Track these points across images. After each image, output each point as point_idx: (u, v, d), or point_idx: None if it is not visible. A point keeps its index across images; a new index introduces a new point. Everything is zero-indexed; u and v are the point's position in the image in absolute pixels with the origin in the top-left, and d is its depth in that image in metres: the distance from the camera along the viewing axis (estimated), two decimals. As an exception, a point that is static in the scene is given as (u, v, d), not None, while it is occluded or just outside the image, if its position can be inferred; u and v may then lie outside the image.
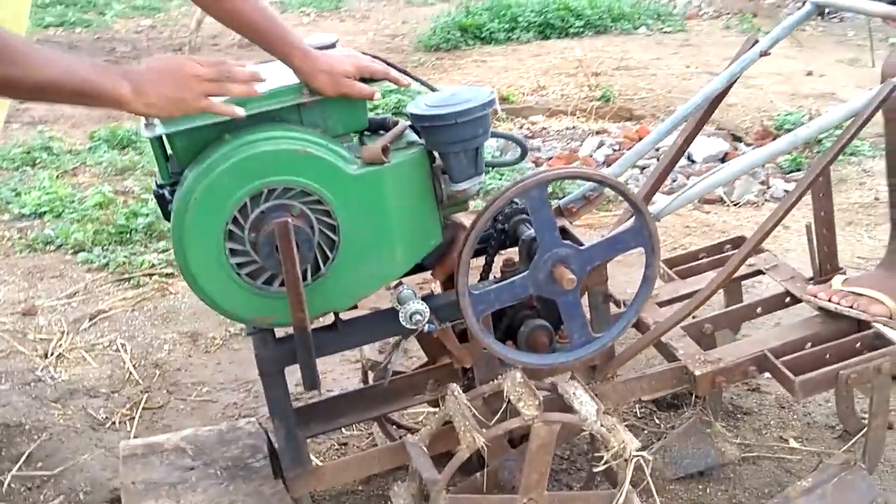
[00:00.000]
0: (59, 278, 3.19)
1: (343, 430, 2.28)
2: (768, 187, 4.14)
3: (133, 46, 7.17)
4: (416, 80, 1.82)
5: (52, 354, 2.69)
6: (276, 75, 1.65)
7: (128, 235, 3.45)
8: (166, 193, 1.63)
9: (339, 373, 2.54)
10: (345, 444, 2.25)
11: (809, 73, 5.92)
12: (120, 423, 2.37)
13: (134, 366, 2.64)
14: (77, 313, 2.95)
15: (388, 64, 1.73)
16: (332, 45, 1.71)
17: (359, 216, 1.61)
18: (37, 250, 3.40)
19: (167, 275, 3.19)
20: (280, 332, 1.74)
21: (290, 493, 1.79)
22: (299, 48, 1.62)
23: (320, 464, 2.03)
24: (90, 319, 2.90)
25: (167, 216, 1.63)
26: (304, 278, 1.60)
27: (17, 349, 2.71)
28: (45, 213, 3.69)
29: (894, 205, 2.06)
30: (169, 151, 1.63)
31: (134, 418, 2.39)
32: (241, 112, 1.50)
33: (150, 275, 3.18)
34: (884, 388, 1.90)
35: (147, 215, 3.54)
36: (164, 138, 1.59)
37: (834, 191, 2.24)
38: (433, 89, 1.77)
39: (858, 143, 4.51)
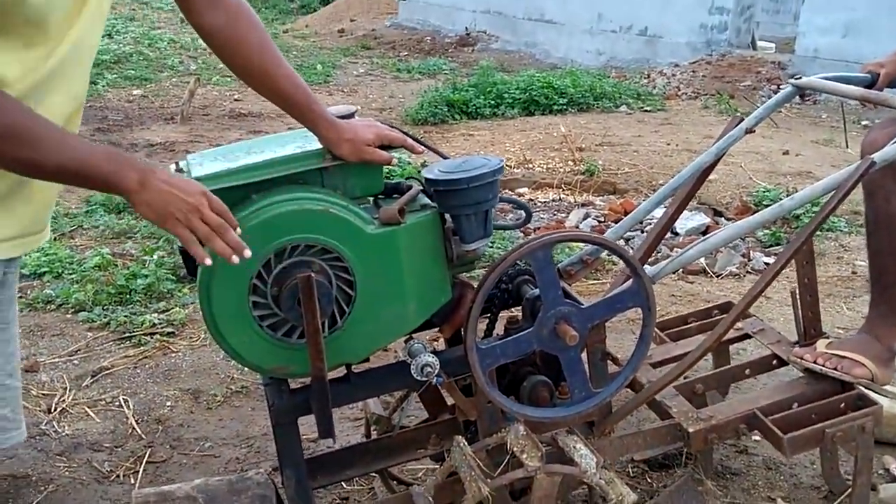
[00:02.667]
0: (61, 336, 3.24)
1: (345, 484, 2.33)
2: (749, 259, 4.29)
3: (125, 115, 7.31)
4: (430, 148, 1.94)
5: (55, 409, 2.73)
6: (301, 139, 1.77)
7: (128, 296, 3.51)
8: (192, 250, 1.72)
9: (340, 430, 2.58)
10: (346, 499, 2.30)
11: (786, 153, 6.16)
12: (124, 476, 2.41)
13: (137, 421, 2.68)
14: (79, 370, 2.99)
15: (404, 133, 1.85)
16: (352, 115, 1.84)
17: (375, 273, 1.70)
18: (37, 309, 3.45)
19: (168, 334, 3.25)
20: (293, 384, 1.82)
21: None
22: (325, 118, 1.73)
23: (326, 516, 2.08)
24: (92, 376, 2.95)
25: (192, 272, 1.71)
26: (322, 330, 1.68)
27: (21, 404, 2.75)
28: (44, 273, 3.74)
29: (874, 273, 2.18)
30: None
31: (138, 472, 2.42)
32: (208, 261, 1.50)
33: (151, 334, 3.24)
34: (867, 447, 1.99)
35: (147, 276, 3.61)
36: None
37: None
38: (445, 157, 1.89)
39: (836, 220, 4.70)
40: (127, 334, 3.24)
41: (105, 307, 3.43)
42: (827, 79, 2.31)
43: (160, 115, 7.43)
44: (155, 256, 3.84)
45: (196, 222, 1.47)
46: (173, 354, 3.12)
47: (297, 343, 1.69)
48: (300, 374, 1.74)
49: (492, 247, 4.09)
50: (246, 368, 2.05)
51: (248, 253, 1.51)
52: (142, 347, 3.15)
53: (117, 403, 2.79)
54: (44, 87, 1.48)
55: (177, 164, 1.79)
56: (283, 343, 1.70)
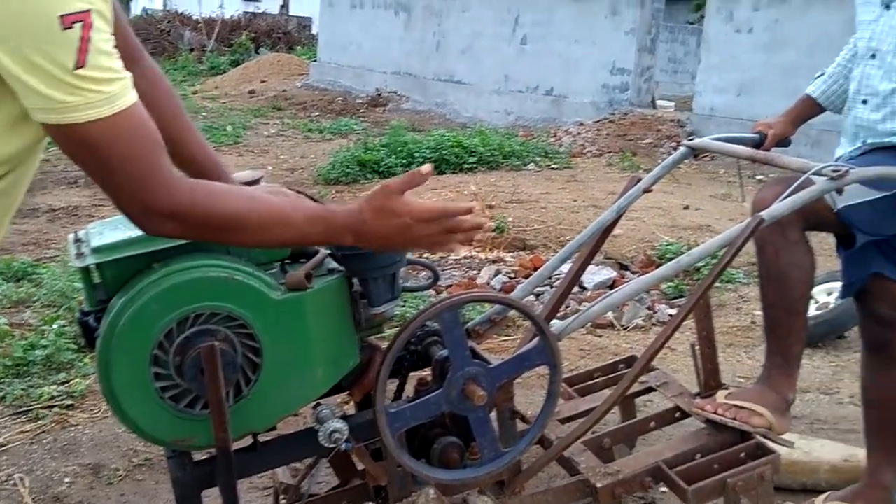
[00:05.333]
0: (-49, 411, 3.09)
1: (255, 557, 2.27)
2: (654, 312, 4.41)
3: (27, 177, 7.09)
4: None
5: (-55, 491, 2.59)
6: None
7: (25, 367, 3.37)
8: (91, 321, 1.68)
9: (248, 499, 2.53)
10: (257, 572, 2.24)
11: (686, 207, 6.39)
12: (19, 559, 2.29)
13: (33, 499, 2.56)
14: (-29, 447, 2.85)
15: (310, 198, 1.85)
16: (258, 181, 1.83)
17: (281, 340, 1.69)
18: (-73, 384, 3.28)
19: (67, 406, 3.13)
20: (197, 455, 1.77)
21: None
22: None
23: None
24: (-15, 454, 2.81)
25: (91, 344, 1.67)
26: (227, 400, 1.65)
27: None
28: (-65, 345, 3.57)
29: (767, 325, 2.27)
30: (96, 280, 1.68)
31: (34, 554, 2.31)
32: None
33: (50, 407, 3.11)
34: (767, 495, 2.05)
35: (46, 347, 3.47)
36: (93, 267, 1.65)
37: (714, 315, 2.45)
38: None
39: (734, 272, 4.88)
40: (23, 408, 3.11)
41: (1, 380, 3.28)
42: (719, 139, 2.43)
43: (63, 179, 7.25)
44: (55, 325, 3.71)
45: (435, 240, 1.50)
46: (73, 428, 3.00)
47: (200, 414, 1.65)
48: (204, 446, 1.70)
49: (404, 306, 4.10)
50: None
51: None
52: (39, 422, 3.02)
53: (12, 482, 2.65)
54: None
55: (75, 233, 1.75)
56: (185, 414, 1.66)
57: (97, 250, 1.62)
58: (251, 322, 1.65)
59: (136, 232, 1.65)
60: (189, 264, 1.63)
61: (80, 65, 1.14)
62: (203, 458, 1.77)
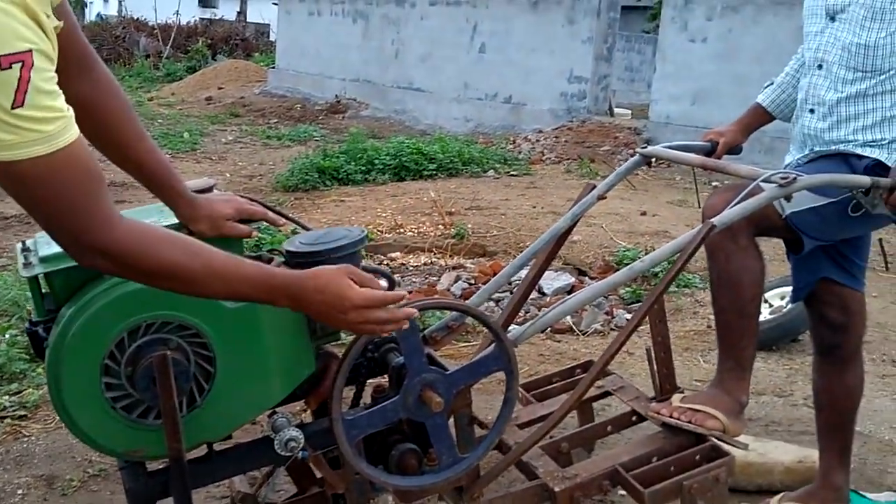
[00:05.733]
0: None
1: (211, 568, 2.24)
2: (612, 317, 4.44)
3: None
4: (291, 220, 1.94)
5: None
6: (157, 214, 1.74)
7: (-24, 378, 3.30)
8: (40, 331, 1.65)
9: (206, 510, 2.51)
10: (213, 584, 2.21)
11: (643, 213, 6.46)
12: (-32, 576, 2.24)
13: (-17, 513, 2.51)
14: (-82, 462, 2.78)
15: (264, 206, 1.85)
16: (210, 189, 1.82)
17: (235, 349, 1.67)
18: None
19: (20, 417, 3.07)
20: (151, 466, 1.75)
21: None
22: (184, 196, 1.71)
23: None
24: (-66, 468, 2.74)
25: (40, 354, 1.64)
26: (180, 409, 1.63)
27: None
28: None
29: (720, 330, 2.31)
30: (45, 290, 1.66)
31: (-17, 570, 2.26)
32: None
33: (2, 418, 3.05)
34: (722, 496, 2.08)
35: (-3, 357, 3.41)
36: (42, 277, 1.62)
37: (670, 320, 2.49)
38: (307, 228, 1.90)
39: (690, 277, 4.94)
40: (-25, 420, 3.04)
41: (-50, 392, 3.21)
42: (671, 147, 2.46)
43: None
44: (7, 335, 3.64)
45: (364, 327, 1.51)
46: (25, 439, 2.94)
47: (153, 424, 1.64)
48: (157, 456, 1.68)
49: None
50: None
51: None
52: (-9, 433, 2.96)
53: (-38, 496, 2.60)
54: None
55: (23, 242, 1.72)
56: (138, 424, 1.64)
57: (45, 259, 1.60)
58: (204, 331, 1.64)
59: (86, 240, 1.63)
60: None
61: (17, 104, 1.14)
62: (157, 468, 1.74)
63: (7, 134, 1.15)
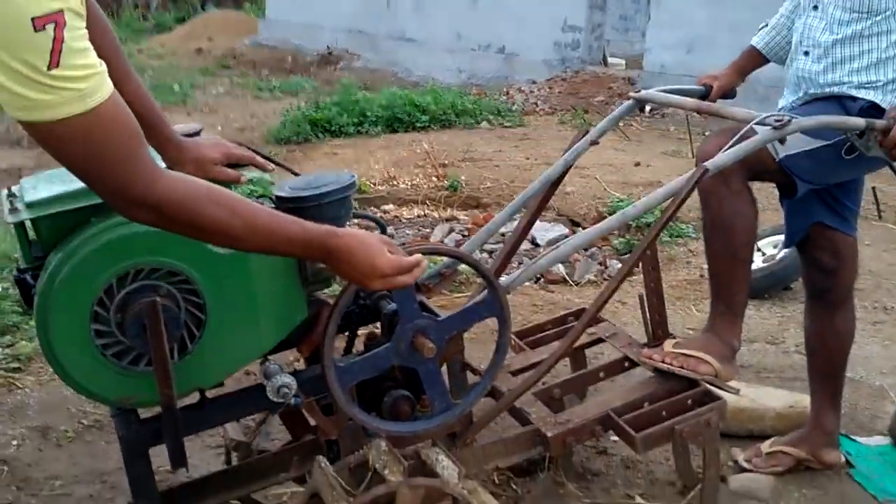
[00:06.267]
0: None
1: (207, 514, 2.25)
2: (606, 267, 4.44)
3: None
4: (280, 165, 1.92)
5: None
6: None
7: (-32, 332, 3.29)
8: (28, 278, 1.63)
9: (201, 458, 2.51)
10: (208, 530, 2.22)
11: (637, 164, 6.42)
12: (-36, 524, 2.25)
13: (-21, 464, 2.51)
14: (-87, 414, 2.78)
15: (252, 150, 1.82)
16: (198, 133, 1.79)
17: (226, 295, 1.66)
18: None
19: (14, 369, 3.06)
20: (143, 413, 1.75)
21: (157, 577, 1.77)
22: (171, 139, 1.69)
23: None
24: (-72, 420, 2.75)
25: (28, 302, 1.63)
26: (172, 356, 1.63)
27: None
28: None
29: (712, 275, 2.30)
30: (32, 236, 1.64)
31: (-20, 518, 2.27)
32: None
33: (-5, 370, 3.05)
34: (713, 441, 2.10)
35: (-12, 309, 3.39)
36: (29, 223, 1.60)
37: (663, 269, 2.48)
38: (296, 174, 1.87)
39: (683, 226, 4.93)
40: (-32, 373, 3.04)
41: (-57, 345, 3.21)
42: (665, 91, 2.44)
43: (6, 139, 7.03)
44: (-1, 288, 3.63)
45: (387, 283, 1.55)
46: (19, 391, 2.94)
47: (144, 371, 1.63)
48: (149, 403, 1.68)
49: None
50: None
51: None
52: (-16, 385, 2.96)
53: (-42, 447, 2.61)
54: None
55: (9, 188, 1.70)
56: (129, 371, 1.63)
57: (31, 205, 1.58)
58: (194, 277, 1.62)
59: (72, 185, 1.61)
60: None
61: (53, 65, 1.14)
62: (149, 416, 1.74)
63: (44, 94, 1.15)
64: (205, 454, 2.56)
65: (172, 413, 1.64)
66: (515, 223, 2.86)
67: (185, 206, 1.33)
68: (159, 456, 1.74)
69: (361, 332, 2.12)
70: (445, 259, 2.23)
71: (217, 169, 1.71)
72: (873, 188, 5.08)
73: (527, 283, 4.26)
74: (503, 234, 4.28)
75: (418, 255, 1.59)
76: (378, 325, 2.02)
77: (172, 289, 1.62)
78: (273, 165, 1.86)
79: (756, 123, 2.02)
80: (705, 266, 4.35)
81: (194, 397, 1.79)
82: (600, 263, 4.53)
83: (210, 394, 1.81)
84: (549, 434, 2.04)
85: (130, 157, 1.27)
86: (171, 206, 1.32)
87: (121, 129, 1.25)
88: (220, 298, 1.65)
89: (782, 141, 2.02)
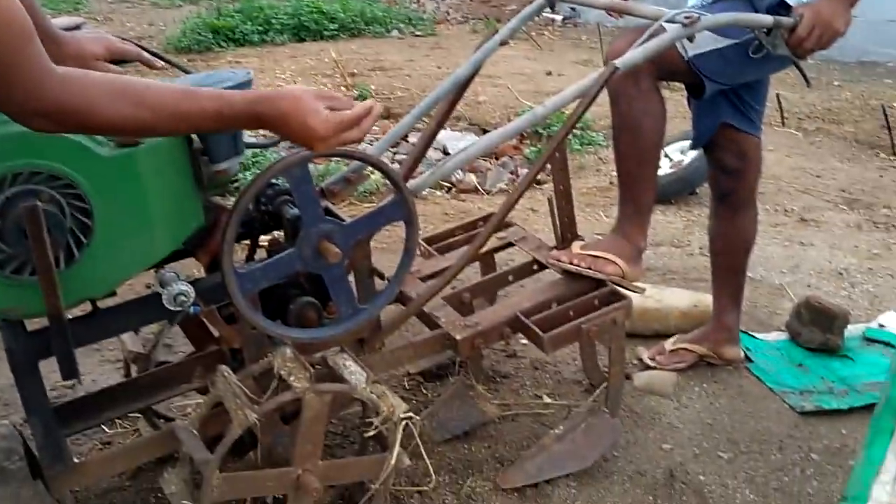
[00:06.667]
0: None
1: (106, 428, 2.19)
2: (517, 177, 4.43)
3: None
4: (169, 62, 1.81)
5: None
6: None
7: None
8: None
9: (100, 373, 2.44)
10: (108, 444, 2.17)
11: (549, 73, 6.39)
12: None
13: None
14: None
15: (140, 46, 1.70)
16: (79, 27, 1.66)
17: (114, 200, 1.56)
18: None
19: None
20: (32, 325, 1.66)
21: (52, 493, 1.70)
22: (49, 32, 1.55)
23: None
24: None
25: None
26: (58, 265, 1.53)
27: None
28: None
29: (621, 176, 2.30)
30: None
31: None
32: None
33: None
34: (619, 339, 2.12)
35: None
36: None
37: (574, 176, 2.47)
38: (187, 71, 1.76)
39: (594, 135, 4.96)
40: None
41: None
42: (574, -9, 2.38)
43: None
44: None
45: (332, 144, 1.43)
46: None
47: (29, 280, 1.53)
48: (37, 314, 1.58)
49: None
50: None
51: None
52: None
53: None
54: None
55: None
56: (13, 281, 1.53)
57: None
58: (77, 181, 1.52)
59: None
60: (3, 117, 1.47)
61: None
62: (38, 328, 1.65)
63: None
64: (104, 368, 2.48)
65: (60, 323, 1.55)
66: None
67: (82, 109, 1.22)
68: (57, 371, 1.66)
69: (264, 240, 2.05)
70: (351, 163, 2.16)
71: (100, 65, 1.60)
72: (777, 95, 5.18)
73: (438, 193, 4.24)
74: (407, 139, 4.22)
75: (368, 103, 1.48)
76: (280, 231, 1.96)
77: (55, 193, 1.51)
78: (162, 63, 1.75)
79: (666, 21, 1.99)
80: (615, 173, 4.41)
81: (87, 308, 1.71)
82: (512, 172, 4.52)
83: (103, 304, 1.73)
84: (457, 337, 2.03)
85: (18, 59, 1.15)
86: (67, 111, 1.21)
87: (3, 27, 1.12)
88: (107, 203, 1.55)
89: (691, 39, 1.99)
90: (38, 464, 1.72)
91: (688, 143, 3.26)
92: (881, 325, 2.81)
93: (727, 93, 2.29)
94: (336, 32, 7.61)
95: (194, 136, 1.68)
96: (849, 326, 2.70)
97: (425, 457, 1.99)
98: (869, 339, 2.76)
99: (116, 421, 2.19)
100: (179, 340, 2.54)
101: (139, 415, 2.14)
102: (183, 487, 1.80)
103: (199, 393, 2.08)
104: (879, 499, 1.86)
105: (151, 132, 1.34)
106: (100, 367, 2.47)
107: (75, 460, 1.76)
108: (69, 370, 1.60)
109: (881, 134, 5.06)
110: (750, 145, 2.38)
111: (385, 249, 3.32)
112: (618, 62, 1.96)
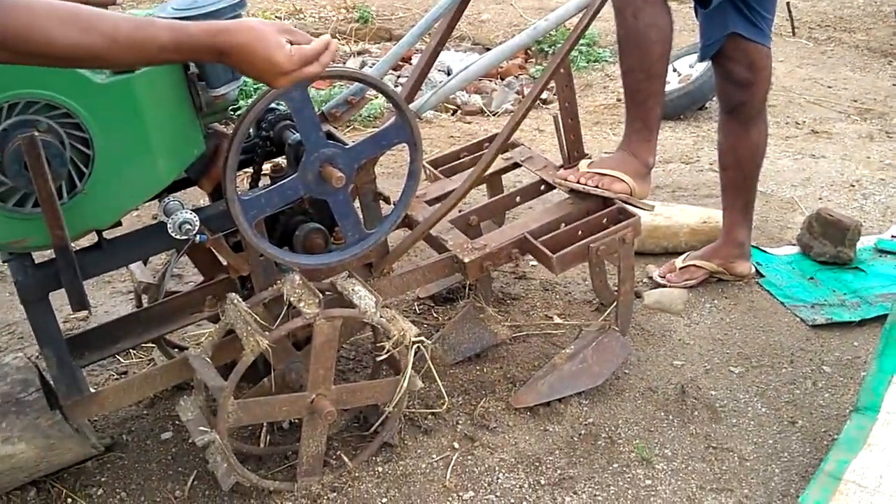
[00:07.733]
0: None
1: (121, 358, 2.21)
2: (523, 97, 4.36)
3: None
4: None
5: None
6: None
7: None
8: None
9: (112, 304, 2.45)
10: (124, 374, 2.19)
11: (553, -11, 6.24)
12: None
13: None
14: None
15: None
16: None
17: (112, 128, 1.54)
18: None
19: None
20: (40, 258, 1.66)
21: (70, 422, 1.73)
22: None
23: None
24: None
25: None
26: (60, 196, 1.52)
27: None
28: None
29: (627, 91, 2.25)
30: None
31: None
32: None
33: None
34: (628, 257, 2.11)
35: None
36: None
37: (581, 94, 2.41)
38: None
39: (601, 51, 4.86)
40: None
41: None
42: None
43: None
44: None
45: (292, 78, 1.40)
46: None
47: (32, 212, 1.53)
48: (43, 246, 1.58)
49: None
50: None
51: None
52: None
53: None
54: None
55: None
56: (16, 214, 1.53)
57: None
58: (75, 110, 1.50)
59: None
60: (-6, 48, 1.44)
61: None
62: (45, 260, 1.65)
63: None
64: (116, 300, 2.49)
65: (66, 254, 1.55)
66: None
67: (31, 36, 1.17)
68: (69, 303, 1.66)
69: (267, 166, 2.03)
70: (352, 85, 2.12)
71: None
72: (787, 3, 5.05)
73: (443, 116, 4.18)
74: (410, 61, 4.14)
75: (325, 38, 1.45)
76: (283, 157, 1.93)
77: (53, 123, 1.49)
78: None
79: (671, -74, 1.91)
80: (622, 90, 4.34)
81: (93, 239, 1.71)
82: (517, 93, 4.44)
83: (109, 235, 1.72)
84: (466, 260, 2.02)
85: None
86: (15, 38, 1.16)
87: None
88: (106, 132, 1.53)
89: (698, -55, 1.92)
90: (56, 395, 1.74)
91: (696, 56, 3.19)
92: (893, 237, 2.79)
93: (735, 1, 2.23)
94: (334, -47, 7.42)
95: (190, 63, 1.64)
96: (861, 238, 2.68)
97: (438, 379, 2.00)
98: (881, 251, 2.74)
99: (131, 351, 2.21)
100: (189, 270, 2.54)
101: (153, 345, 2.16)
102: (199, 414, 1.82)
103: (211, 322, 2.09)
104: (891, 409, 1.87)
105: (106, 62, 1.29)
106: (111, 299, 2.48)
107: (91, 390, 1.77)
108: (79, 302, 1.60)
109: (894, 41, 4.94)
110: (759, 56, 2.31)
111: (391, 174, 3.29)
112: (624, -29, 1.90)
